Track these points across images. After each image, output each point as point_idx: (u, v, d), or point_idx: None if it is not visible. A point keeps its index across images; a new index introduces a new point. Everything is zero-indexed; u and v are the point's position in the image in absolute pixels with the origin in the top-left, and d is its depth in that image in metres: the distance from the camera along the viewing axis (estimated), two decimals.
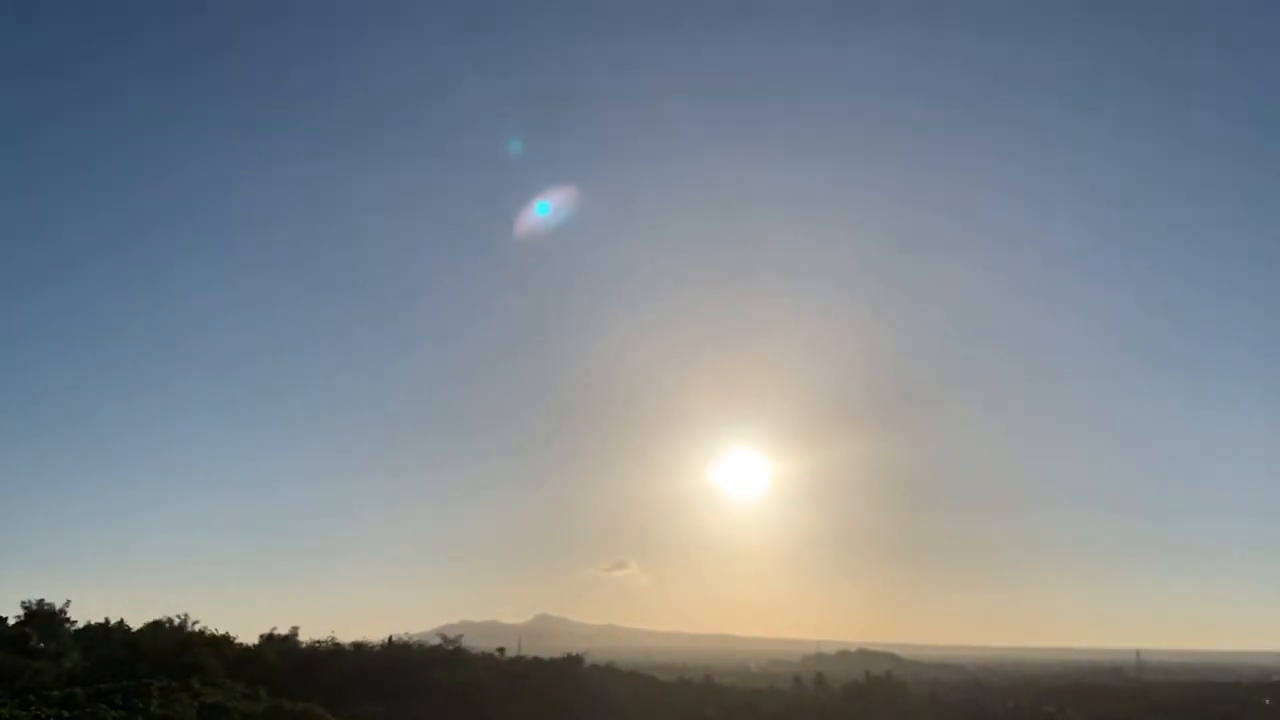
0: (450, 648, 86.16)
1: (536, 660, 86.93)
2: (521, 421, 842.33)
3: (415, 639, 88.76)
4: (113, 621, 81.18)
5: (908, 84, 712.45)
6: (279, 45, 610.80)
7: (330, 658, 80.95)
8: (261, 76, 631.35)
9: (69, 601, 75.39)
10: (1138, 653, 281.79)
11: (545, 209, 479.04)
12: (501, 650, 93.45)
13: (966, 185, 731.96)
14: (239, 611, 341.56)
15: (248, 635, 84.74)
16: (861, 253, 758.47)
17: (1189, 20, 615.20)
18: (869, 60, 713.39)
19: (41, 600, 74.27)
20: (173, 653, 70.14)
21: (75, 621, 76.39)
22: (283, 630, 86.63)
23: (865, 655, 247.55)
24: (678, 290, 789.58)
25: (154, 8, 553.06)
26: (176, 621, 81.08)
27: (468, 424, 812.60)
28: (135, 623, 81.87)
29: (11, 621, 72.53)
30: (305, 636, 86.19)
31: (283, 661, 76.56)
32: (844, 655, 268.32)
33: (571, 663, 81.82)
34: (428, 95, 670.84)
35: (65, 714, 42.44)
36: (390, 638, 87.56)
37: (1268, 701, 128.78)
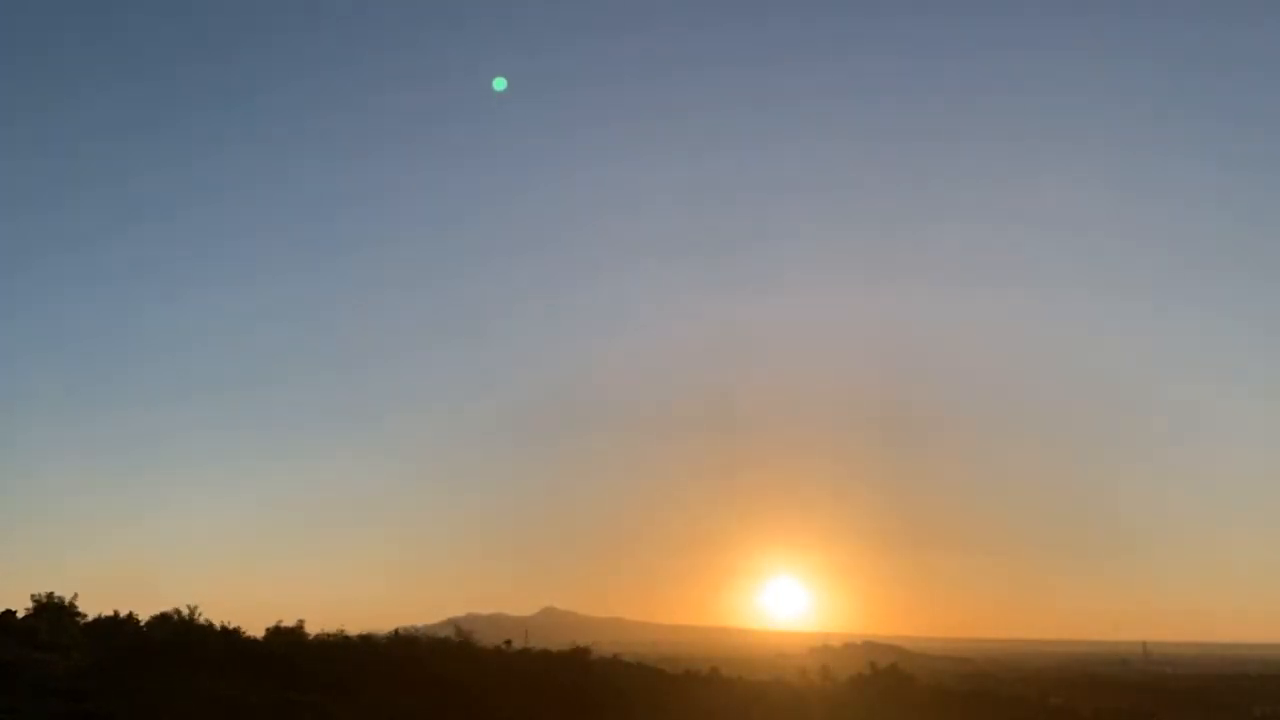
0: (458, 640, 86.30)
1: (543, 653, 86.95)
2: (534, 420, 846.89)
3: (422, 631, 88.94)
4: (121, 614, 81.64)
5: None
6: None
7: (337, 650, 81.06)
8: None
9: (77, 594, 75.84)
10: (1144, 645, 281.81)
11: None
12: (509, 642, 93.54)
13: None
14: (247, 604, 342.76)
15: (255, 628, 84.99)
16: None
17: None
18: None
19: (50, 593, 74.75)
20: (181, 645, 70.35)
21: (84, 614, 76.83)
22: (290, 623, 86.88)
23: (871, 647, 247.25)
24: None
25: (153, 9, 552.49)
26: (184, 614, 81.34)
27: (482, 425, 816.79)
28: (144, 615, 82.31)
29: (20, 614, 72.93)
30: (313, 629, 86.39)
31: (290, 654, 76.67)
32: (850, 647, 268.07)
33: (578, 655, 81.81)
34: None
35: (73, 707, 42.58)
36: (397, 630, 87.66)
37: None
